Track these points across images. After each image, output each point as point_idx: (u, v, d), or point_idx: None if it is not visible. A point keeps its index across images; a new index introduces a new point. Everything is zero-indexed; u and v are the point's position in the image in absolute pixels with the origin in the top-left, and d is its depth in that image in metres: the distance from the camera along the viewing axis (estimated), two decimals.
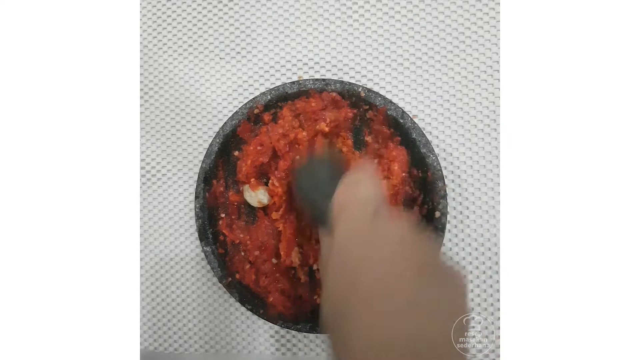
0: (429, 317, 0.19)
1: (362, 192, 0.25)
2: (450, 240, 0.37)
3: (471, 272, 0.37)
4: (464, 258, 0.37)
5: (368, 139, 0.37)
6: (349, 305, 0.21)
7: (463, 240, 0.37)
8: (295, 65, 0.40)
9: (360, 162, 0.36)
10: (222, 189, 0.38)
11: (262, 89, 0.40)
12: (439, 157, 0.36)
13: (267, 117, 0.37)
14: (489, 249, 0.37)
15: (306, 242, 0.36)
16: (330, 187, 0.27)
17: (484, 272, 0.37)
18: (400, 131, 0.36)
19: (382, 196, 0.25)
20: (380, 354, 0.19)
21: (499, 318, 0.35)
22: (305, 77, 0.40)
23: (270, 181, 0.37)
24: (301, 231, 0.36)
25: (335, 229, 0.24)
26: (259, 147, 0.37)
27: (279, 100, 0.37)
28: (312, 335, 0.38)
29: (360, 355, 0.19)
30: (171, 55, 0.42)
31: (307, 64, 0.40)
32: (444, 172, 0.37)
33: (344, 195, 0.25)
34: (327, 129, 0.36)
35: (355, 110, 0.37)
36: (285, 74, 0.40)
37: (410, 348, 0.18)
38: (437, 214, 0.35)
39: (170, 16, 0.42)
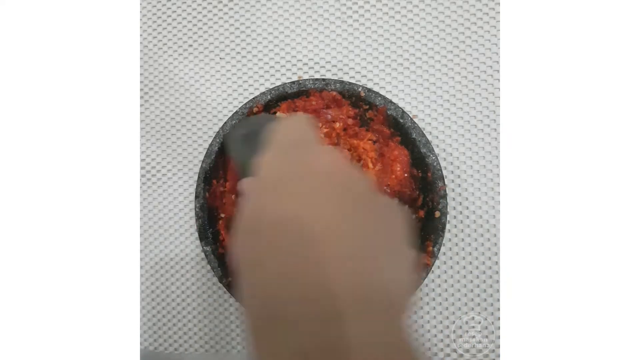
0: (387, 261, 0.18)
1: (297, 128, 0.23)
2: (450, 240, 0.37)
3: (471, 272, 0.37)
4: (464, 258, 0.37)
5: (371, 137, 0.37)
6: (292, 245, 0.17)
7: (463, 240, 0.37)
8: (295, 65, 0.40)
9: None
10: (222, 188, 0.38)
11: (262, 89, 0.40)
12: (439, 157, 0.36)
13: None
14: (489, 249, 0.37)
15: None
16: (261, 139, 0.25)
17: (484, 272, 0.37)
18: (400, 131, 0.36)
19: (315, 135, 0.23)
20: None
21: (499, 318, 0.35)
22: (305, 77, 0.40)
23: None
24: None
25: (263, 160, 0.21)
26: None
27: (279, 100, 0.37)
28: None
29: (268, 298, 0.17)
30: (171, 55, 0.42)
31: (307, 64, 0.40)
32: (444, 172, 0.37)
33: (278, 132, 0.22)
34: (340, 128, 0.36)
35: (356, 110, 0.37)
36: (285, 74, 0.40)
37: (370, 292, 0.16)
38: (437, 214, 0.35)
39: (170, 16, 0.42)
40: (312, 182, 0.19)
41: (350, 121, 0.37)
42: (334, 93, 0.36)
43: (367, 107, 0.37)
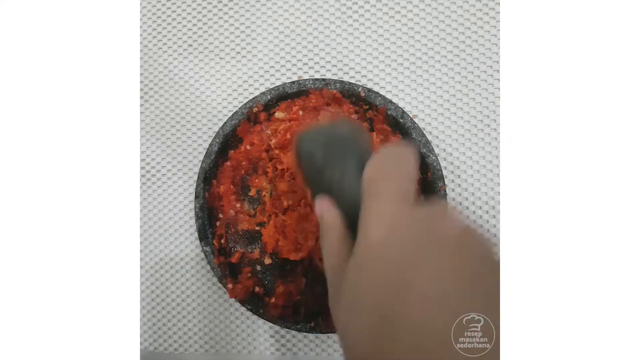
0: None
1: (402, 166, 0.20)
2: None
3: None
4: None
5: (376, 139, 0.37)
6: (400, 305, 0.17)
7: None
8: (295, 65, 0.40)
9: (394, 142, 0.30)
10: (219, 190, 0.38)
11: (262, 89, 0.40)
12: (439, 157, 0.36)
13: (263, 116, 0.37)
14: None
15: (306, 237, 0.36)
16: (348, 153, 0.22)
17: None
18: (400, 131, 0.36)
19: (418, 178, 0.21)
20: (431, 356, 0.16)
21: (499, 318, 0.35)
22: (305, 77, 0.40)
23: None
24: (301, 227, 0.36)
25: (366, 209, 0.19)
26: (248, 147, 0.37)
27: (279, 100, 0.37)
28: (312, 335, 0.38)
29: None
30: (171, 55, 0.42)
31: (307, 64, 0.40)
32: (444, 172, 0.37)
33: (379, 167, 0.20)
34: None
35: (356, 108, 0.37)
36: (285, 74, 0.40)
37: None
38: None
39: (170, 16, 0.42)
40: (443, 244, 0.17)
41: (354, 116, 0.37)
42: (335, 91, 0.36)
43: (367, 107, 0.37)
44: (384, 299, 0.17)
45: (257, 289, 0.37)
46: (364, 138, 0.25)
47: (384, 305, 0.17)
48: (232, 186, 0.38)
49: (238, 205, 0.38)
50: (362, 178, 0.21)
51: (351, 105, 0.37)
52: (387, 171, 0.20)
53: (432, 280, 0.17)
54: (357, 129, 0.26)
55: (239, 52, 0.41)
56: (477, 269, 0.17)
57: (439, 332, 0.16)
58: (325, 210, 0.22)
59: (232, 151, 0.38)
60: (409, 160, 0.21)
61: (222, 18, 0.42)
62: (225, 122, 0.37)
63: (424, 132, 0.36)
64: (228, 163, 0.38)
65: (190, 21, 0.42)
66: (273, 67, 0.41)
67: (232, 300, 0.39)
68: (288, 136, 0.36)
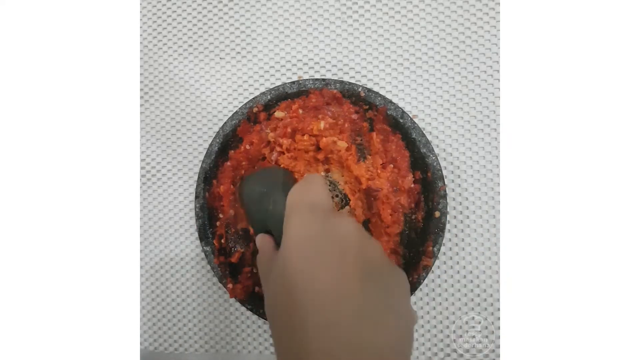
0: (375, 326, 0.20)
1: (314, 192, 0.26)
2: (450, 240, 0.37)
3: (471, 272, 0.37)
4: (464, 258, 0.37)
5: (376, 139, 0.37)
6: (296, 310, 0.21)
7: (463, 240, 0.37)
8: (295, 65, 0.40)
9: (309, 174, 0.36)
10: (219, 190, 0.38)
11: (262, 89, 0.40)
12: (439, 157, 0.36)
13: (262, 116, 0.37)
14: (489, 249, 0.37)
15: None
16: (280, 194, 0.28)
17: (484, 272, 0.37)
18: (400, 131, 0.36)
19: (331, 202, 0.27)
20: None
21: (499, 318, 0.35)
22: (305, 77, 0.40)
23: None
24: None
25: (286, 227, 0.25)
26: (247, 147, 0.37)
27: (279, 100, 0.37)
28: None
29: None
30: (171, 55, 0.42)
31: (307, 64, 0.40)
32: (444, 172, 0.37)
33: (297, 194, 0.26)
34: (324, 127, 0.36)
35: (356, 108, 0.37)
36: (285, 74, 0.40)
37: (355, 357, 0.19)
38: (437, 214, 0.35)
39: (170, 16, 0.42)
40: (336, 252, 0.22)
41: (354, 116, 0.37)
42: (335, 91, 0.36)
43: (367, 107, 0.37)
44: (286, 301, 0.22)
45: (257, 288, 0.37)
46: (292, 181, 0.33)
47: (284, 308, 0.22)
48: (232, 186, 0.38)
49: (238, 204, 0.38)
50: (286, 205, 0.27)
51: (351, 105, 0.37)
52: (300, 195, 0.27)
53: (324, 288, 0.21)
54: (287, 174, 0.34)
55: (239, 52, 0.41)
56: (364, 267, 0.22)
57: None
58: (259, 239, 0.29)
59: (232, 151, 0.38)
60: (319, 186, 0.27)
61: (222, 18, 0.42)
62: (225, 122, 0.37)
63: (424, 132, 0.36)
64: (228, 163, 0.37)
65: (190, 21, 0.42)
66: (273, 67, 0.41)
67: (232, 300, 0.39)
68: (289, 129, 0.36)
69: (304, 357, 0.19)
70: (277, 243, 0.28)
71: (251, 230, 0.34)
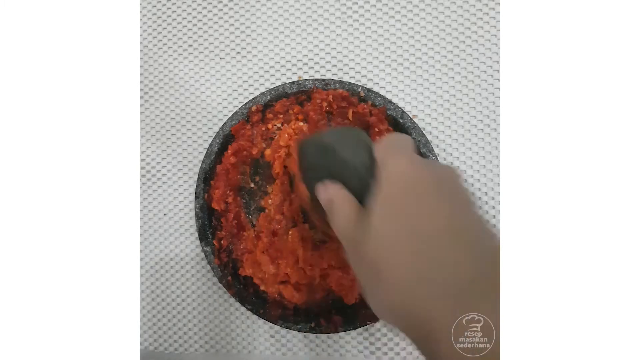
0: (488, 257, 0.20)
1: (404, 141, 0.24)
2: None
3: None
4: None
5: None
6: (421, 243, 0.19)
7: None
8: (295, 65, 0.40)
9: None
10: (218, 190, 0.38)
11: (262, 89, 0.40)
12: (439, 157, 0.36)
13: (256, 117, 0.37)
14: None
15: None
16: (354, 145, 0.24)
17: None
18: (400, 131, 0.36)
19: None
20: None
21: (499, 318, 0.35)
22: (305, 77, 0.40)
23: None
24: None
25: (385, 173, 0.21)
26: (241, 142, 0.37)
27: (278, 100, 0.37)
28: (312, 335, 0.38)
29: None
30: (171, 55, 0.42)
31: (307, 64, 0.40)
32: None
33: (386, 145, 0.23)
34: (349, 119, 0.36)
35: (369, 104, 0.37)
36: (285, 74, 0.40)
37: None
38: None
39: (170, 16, 0.42)
40: (447, 198, 0.21)
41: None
42: (341, 90, 0.36)
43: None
44: (414, 215, 0.20)
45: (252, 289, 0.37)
46: (366, 136, 0.26)
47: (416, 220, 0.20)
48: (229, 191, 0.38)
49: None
50: (375, 155, 0.23)
51: (362, 104, 0.37)
52: (394, 145, 0.23)
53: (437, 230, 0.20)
54: (358, 130, 0.27)
55: (239, 52, 0.41)
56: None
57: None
58: (334, 190, 0.24)
59: (232, 151, 0.38)
60: (409, 139, 0.25)
61: (222, 18, 0.42)
62: (225, 122, 0.37)
63: (424, 132, 0.36)
64: (228, 163, 0.38)
65: (190, 21, 0.42)
66: (273, 67, 0.41)
67: (232, 300, 0.39)
68: (281, 143, 0.37)
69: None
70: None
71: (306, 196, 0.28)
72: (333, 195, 0.23)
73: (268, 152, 0.38)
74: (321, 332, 0.35)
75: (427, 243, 0.19)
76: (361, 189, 0.23)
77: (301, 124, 0.37)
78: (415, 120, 0.37)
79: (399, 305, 0.19)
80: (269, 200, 0.37)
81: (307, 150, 0.27)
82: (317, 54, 0.40)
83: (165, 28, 0.42)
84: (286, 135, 0.37)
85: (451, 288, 0.19)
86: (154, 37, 0.42)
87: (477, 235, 0.20)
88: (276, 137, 0.38)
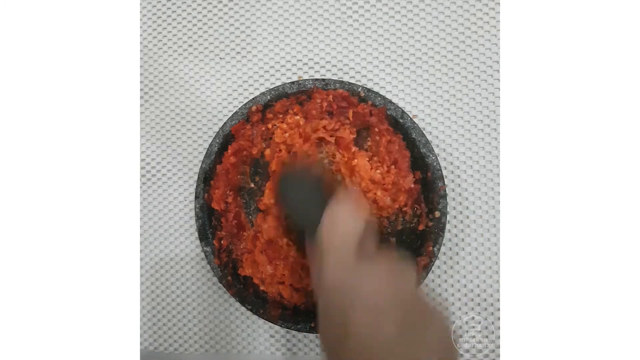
0: (417, 342, 0.21)
1: (345, 227, 0.27)
2: (450, 240, 0.37)
3: (471, 272, 0.37)
4: (463, 258, 0.37)
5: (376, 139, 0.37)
6: (341, 337, 0.22)
7: (463, 240, 0.37)
8: (295, 65, 0.40)
9: (344, 191, 0.35)
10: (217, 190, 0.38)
11: (262, 89, 0.40)
12: (439, 157, 0.36)
13: (256, 117, 0.37)
14: (489, 249, 0.37)
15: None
16: (316, 203, 0.29)
17: (484, 272, 0.37)
18: (400, 131, 0.36)
19: (365, 228, 0.27)
20: None
21: (499, 318, 0.35)
22: (305, 77, 0.40)
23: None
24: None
25: (322, 265, 0.26)
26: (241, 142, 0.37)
27: (278, 100, 0.37)
28: (312, 335, 0.38)
29: None
30: (171, 55, 0.42)
31: (307, 64, 0.40)
32: (444, 172, 0.37)
33: (329, 229, 0.27)
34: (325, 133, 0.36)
35: (369, 103, 0.37)
36: (285, 74, 0.40)
37: None
38: (437, 214, 0.35)
39: (170, 16, 0.42)
40: (374, 291, 0.23)
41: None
42: (341, 90, 0.36)
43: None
44: (333, 336, 0.24)
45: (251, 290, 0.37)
46: (330, 182, 0.34)
47: (331, 341, 0.24)
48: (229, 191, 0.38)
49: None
50: (318, 237, 0.27)
51: (362, 104, 0.37)
52: (332, 234, 0.27)
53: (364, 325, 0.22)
54: (326, 173, 0.35)
55: (239, 52, 0.41)
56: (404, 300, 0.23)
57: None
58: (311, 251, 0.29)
59: (232, 151, 0.38)
60: (353, 220, 0.28)
61: (222, 18, 0.42)
62: (225, 123, 0.37)
63: (424, 132, 0.36)
64: (228, 163, 0.37)
65: (190, 21, 0.42)
66: (273, 67, 0.41)
67: (232, 300, 0.39)
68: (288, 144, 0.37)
69: None
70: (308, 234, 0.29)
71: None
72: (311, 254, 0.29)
73: (268, 152, 0.38)
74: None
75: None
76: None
77: (297, 117, 0.37)
78: (415, 120, 0.37)
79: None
80: (263, 200, 0.37)
81: (282, 197, 0.34)
82: (317, 54, 0.40)
83: (165, 28, 0.42)
84: (280, 131, 0.37)
85: None
86: (154, 37, 0.42)
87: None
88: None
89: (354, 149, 0.36)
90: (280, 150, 0.37)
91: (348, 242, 0.26)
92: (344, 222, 0.28)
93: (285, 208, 0.34)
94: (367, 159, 0.36)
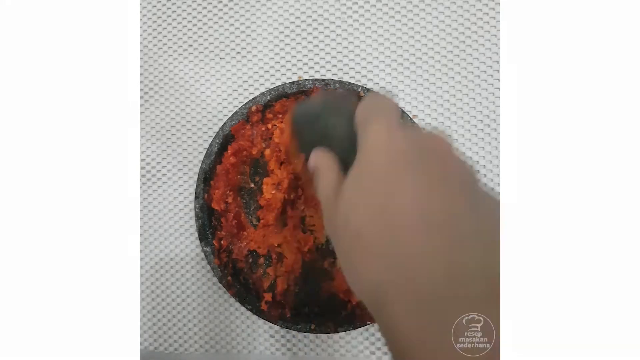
0: (487, 248, 0.17)
1: (386, 104, 0.22)
2: None
3: None
4: None
5: None
6: (396, 233, 0.17)
7: None
8: (295, 65, 0.40)
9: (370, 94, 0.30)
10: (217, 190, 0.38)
11: (262, 89, 0.40)
12: None
13: (256, 117, 0.37)
14: None
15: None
16: (340, 112, 0.24)
17: None
18: None
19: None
20: (419, 285, 0.16)
21: (499, 318, 0.35)
22: (305, 77, 0.40)
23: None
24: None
25: (363, 134, 0.20)
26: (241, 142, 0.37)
27: (278, 100, 0.37)
28: (312, 335, 0.38)
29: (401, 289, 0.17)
30: (171, 55, 0.42)
31: (307, 64, 0.40)
32: None
33: (367, 108, 0.22)
34: None
35: None
36: (285, 74, 0.40)
37: (448, 278, 0.17)
38: None
39: (170, 16, 0.42)
40: (429, 166, 0.18)
41: None
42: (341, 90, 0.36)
43: None
44: (383, 194, 0.18)
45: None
46: (352, 101, 0.26)
47: (381, 200, 0.18)
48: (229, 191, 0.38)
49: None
50: (355, 119, 0.22)
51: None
52: (375, 108, 0.22)
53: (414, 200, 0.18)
54: (346, 95, 0.28)
55: (239, 52, 0.41)
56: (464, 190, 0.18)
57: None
58: (320, 157, 0.23)
59: (231, 151, 0.38)
60: (391, 101, 0.23)
61: (222, 18, 0.42)
62: (225, 123, 0.37)
63: None
64: (228, 163, 0.38)
65: (190, 21, 0.42)
66: (273, 67, 0.41)
67: (232, 300, 0.39)
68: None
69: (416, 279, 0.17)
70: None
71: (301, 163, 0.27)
72: (319, 163, 0.23)
73: (268, 152, 0.38)
74: (321, 332, 0.35)
75: (396, 230, 0.17)
76: (348, 158, 0.22)
77: None
78: (415, 120, 0.37)
79: (362, 283, 0.18)
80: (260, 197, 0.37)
81: (297, 119, 0.27)
82: (317, 54, 0.40)
83: (165, 28, 0.42)
84: (280, 132, 0.37)
85: (423, 287, 0.17)
86: (154, 37, 0.42)
87: (463, 218, 0.17)
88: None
89: None
90: (280, 151, 0.37)
91: (392, 114, 0.21)
92: (382, 101, 0.22)
93: (303, 129, 0.27)
94: None
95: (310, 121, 0.26)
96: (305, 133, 0.26)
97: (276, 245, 0.37)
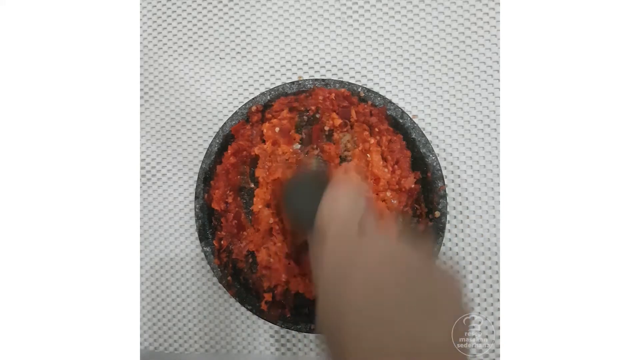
0: (422, 318, 0.20)
1: (343, 207, 0.27)
2: (450, 240, 0.37)
3: (471, 272, 0.37)
4: (464, 258, 0.37)
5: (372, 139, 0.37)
6: (339, 314, 0.21)
7: (463, 240, 0.37)
8: (295, 65, 0.40)
9: (341, 175, 0.35)
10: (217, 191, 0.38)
11: (262, 89, 0.40)
12: (438, 157, 0.36)
13: (256, 117, 0.37)
14: (489, 249, 0.37)
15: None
16: (316, 198, 0.28)
17: (484, 272, 0.37)
18: (400, 131, 0.36)
19: (365, 207, 0.27)
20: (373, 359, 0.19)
21: (499, 318, 0.35)
22: (305, 77, 0.40)
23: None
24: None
25: (323, 246, 0.25)
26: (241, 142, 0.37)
27: (278, 100, 0.37)
28: (312, 335, 0.38)
29: None
30: (171, 55, 0.42)
31: (307, 64, 0.40)
32: (444, 172, 0.37)
33: (327, 212, 0.27)
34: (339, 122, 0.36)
35: (369, 103, 0.37)
36: (285, 74, 0.40)
37: (403, 351, 0.19)
38: (437, 214, 0.35)
39: (170, 16, 0.42)
40: (375, 260, 0.23)
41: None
42: (343, 90, 0.36)
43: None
44: (330, 308, 0.23)
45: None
46: (327, 175, 0.33)
47: (330, 313, 0.22)
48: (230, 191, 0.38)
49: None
50: (317, 221, 0.26)
51: (362, 104, 0.37)
52: (332, 215, 0.26)
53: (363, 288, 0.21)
54: (322, 168, 0.35)
55: (239, 52, 0.41)
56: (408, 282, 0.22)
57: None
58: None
59: (231, 151, 0.38)
60: (351, 199, 0.27)
61: (222, 18, 0.42)
62: (225, 123, 0.37)
63: (424, 132, 0.36)
64: (228, 163, 0.38)
65: (190, 21, 0.42)
66: (273, 67, 0.41)
67: (232, 300, 0.39)
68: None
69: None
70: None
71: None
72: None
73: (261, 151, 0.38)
74: (317, 335, 0.35)
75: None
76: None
77: (285, 112, 0.37)
78: (415, 120, 0.37)
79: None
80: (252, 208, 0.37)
81: (288, 197, 0.33)
82: (317, 54, 0.40)
83: (165, 28, 0.42)
84: (267, 124, 0.37)
85: None
86: (154, 37, 0.42)
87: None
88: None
89: (372, 140, 0.36)
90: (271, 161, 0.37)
91: (349, 220, 0.26)
92: (343, 202, 0.27)
93: (288, 211, 0.34)
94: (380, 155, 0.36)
95: (298, 201, 0.31)
96: (294, 210, 0.32)
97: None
